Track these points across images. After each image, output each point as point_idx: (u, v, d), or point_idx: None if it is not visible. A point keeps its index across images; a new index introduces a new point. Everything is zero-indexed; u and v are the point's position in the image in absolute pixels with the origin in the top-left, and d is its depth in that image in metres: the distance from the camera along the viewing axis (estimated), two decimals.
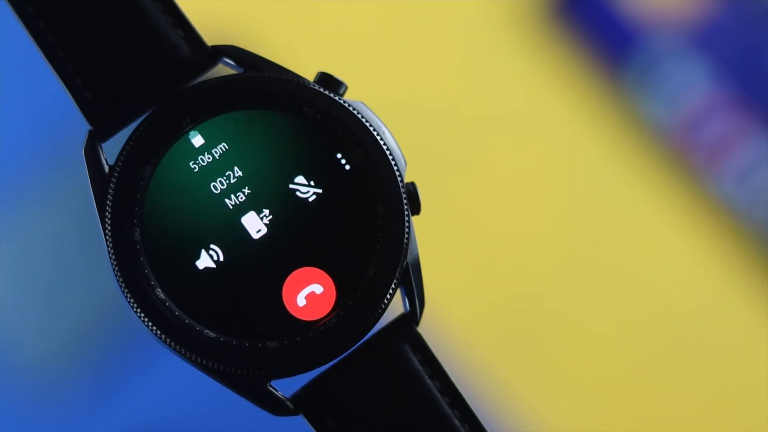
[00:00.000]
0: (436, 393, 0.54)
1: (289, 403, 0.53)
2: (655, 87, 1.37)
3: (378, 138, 0.54)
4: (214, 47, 0.55)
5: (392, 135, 0.54)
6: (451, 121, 1.36)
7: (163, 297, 0.52)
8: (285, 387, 0.54)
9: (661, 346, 1.33)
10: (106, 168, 0.53)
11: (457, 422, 0.54)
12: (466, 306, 1.33)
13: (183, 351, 0.52)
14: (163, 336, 0.52)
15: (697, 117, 1.36)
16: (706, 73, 1.37)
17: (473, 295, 1.33)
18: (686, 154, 1.36)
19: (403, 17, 1.38)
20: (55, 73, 0.53)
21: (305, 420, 0.53)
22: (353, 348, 0.53)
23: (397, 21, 1.38)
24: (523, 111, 1.38)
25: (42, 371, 1.28)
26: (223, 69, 0.56)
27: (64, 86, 0.53)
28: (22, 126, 1.30)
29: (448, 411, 0.54)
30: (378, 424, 0.53)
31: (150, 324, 0.52)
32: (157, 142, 0.53)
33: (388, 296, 0.53)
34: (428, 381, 0.54)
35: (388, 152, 0.54)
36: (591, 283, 1.34)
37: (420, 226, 1.38)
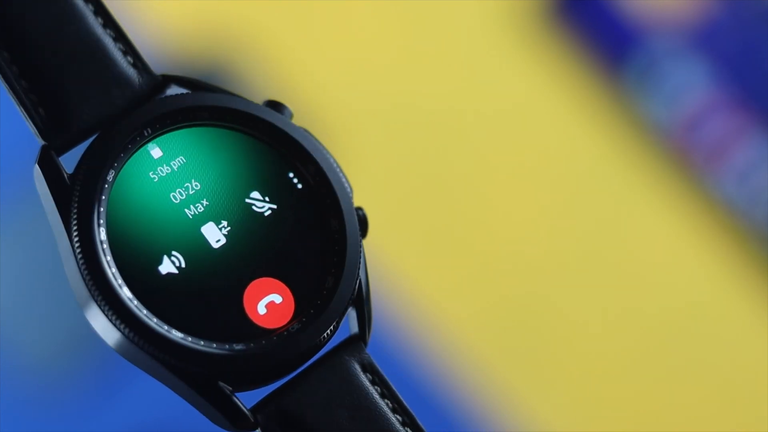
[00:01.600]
0: (388, 411, 0.54)
1: (249, 414, 0.53)
2: (655, 87, 1.37)
3: (329, 157, 0.56)
4: (163, 75, 0.57)
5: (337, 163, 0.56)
6: (451, 121, 1.37)
7: (131, 295, 0.53)
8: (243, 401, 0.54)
9: (661, 345, 1.33)
10: (65, 176, 0.54)
11: None
12: (465, 306, 1.33)
13: (149, 349, 0.52)
14: (131, 334, 0.52)
15: (697, 117, 1.36)
16: (706, 73, 1.37)
17: (473, 294, 1.33)
18: (686, 154, 1.36)
19: (402, 18, 1.39)
20: (9, 90, 0.55)
21: None
22: (307, 364, 0.54)
23: (397, 21, 1.39)
24: (523, 111, 1.38)
25: (42, 371, 1.28)
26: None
27: (17, 102, 0.55)
28: (23, 127, 1.30)
29: (400, 429, 0.54)
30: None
31: (117, 321, 0.52)
32: (119, 149, 0.54)
33: (346, 305, 0.54)
34: (379, 400, 0.54)
35: (339, 170, 0.56)
36: (591, 283, 1.34)
37: (420, 226, 1.38)
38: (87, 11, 0.56)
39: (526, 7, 1.39)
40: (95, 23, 0.56)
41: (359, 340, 0.56)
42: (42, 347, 1.29)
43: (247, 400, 0.53)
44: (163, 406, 1.29)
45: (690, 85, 1.36)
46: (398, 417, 0.54)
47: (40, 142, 0.55)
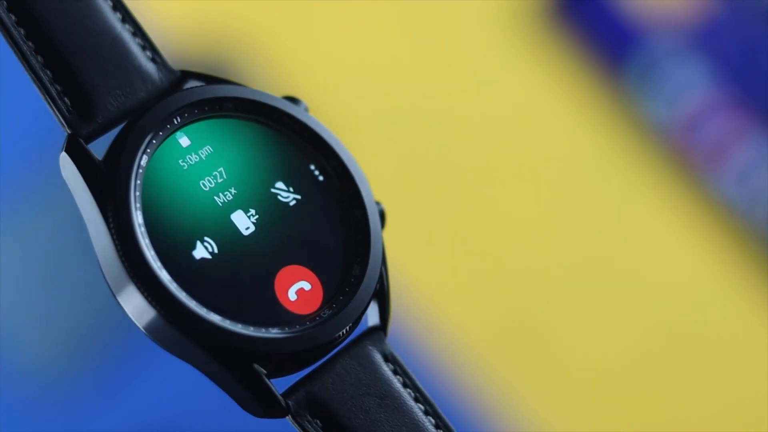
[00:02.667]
0: (411, 401, 0.55)
1: (281, 400, 0.54)
2: (655, 87, 1.37)
3: (348, 152, 0.57)
4: (182, 71, 0.58)
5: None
6: (450, 122, 1.37)
7: (170, 278, 0.53)
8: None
9: (660, 345, 1.33)
10: (97, 162, 0.55)
11: (431, 428, 0.55)
12: (465, 306, 1.33)
13: (191, 331, 0.53)
14: (171, 316, 0.53)
15: (697, 117, 1.36)
16: (706, 73, 1.37)
17: (473, 295, 1.33)
18: (686, 154, 1.36)
19: (403, 18, 1.39)
20: (36, 79, 0.55)
21: (291, 422, 0.54)
22: (333, 352, 0.55)
23: (397, 22, 1.39)
24: (523, 110, 1.38)
25: (42, 371, 1.28)
26: None
27: (44, 93, 0.55)
28: (23, 127, 1.30)
29: (423, 418, 0.55)
30: (358, 428, 0.54)
31: (158, 303, 0.53)
32: (151, 135, 0.55)
33: (374, 291, 0.56)
34: (402, 389, 0.55)
35: (358, 165, 0.57)
36: (591, 283, 1.34)
37: (421, 227, 1.38)
38: (106, 6, 0.56)
39: (526, 7, 1.39)
40: (114, 18, 0.57)
41: (380, 330, 0.57)
42: (42, 347, 1.29)
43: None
44: (163, 406, 1.29)
45: (690, 85, 1.36)
46: (420, 406, 0.55)
47: (66, 131, 0.56)
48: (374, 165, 1.37)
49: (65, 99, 0.55)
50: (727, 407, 1.32)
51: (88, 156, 0.55)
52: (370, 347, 0.56)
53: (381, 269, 0.56)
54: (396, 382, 0.55)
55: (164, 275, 0.53)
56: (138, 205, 0.54)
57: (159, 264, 0.53)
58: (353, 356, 0.55)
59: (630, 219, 1.35)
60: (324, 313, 0.54)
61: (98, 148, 0.56)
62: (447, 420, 0.56)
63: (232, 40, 1.34)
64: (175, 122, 0.56)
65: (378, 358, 0.55)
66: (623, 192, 1.35)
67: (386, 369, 0.55)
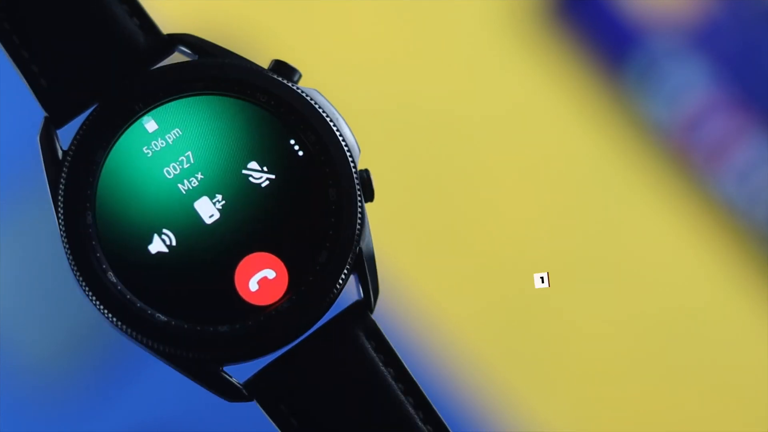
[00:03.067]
0: (390, 380, 0.53)
1: (242, 389, 0.53)
2: (655, 87, 1.37)
3: (331, 124, 0.54)
4: (170, 35, 0.56)
5: (346, 123, 0.55)
6: (450, 122, 1.37)
7: (115, 280, 0.53)
8: (239, 373, 0.54)
9: (660, 345, 1.33)
10: (60, 153, 0.53)
11: (410, 408, 0.53)
12: (465, 306, 1.33)
13: (134, 334, 0.52)
14: (114, 319, 0.52)
15: (697, 117, 1.36)
16: (706, 73, 1.37)
17: (473, 294, 1.33)
18: (686, 154, 1.36)
19: (402, 17, 1.38)
20: (11, 61, 0.54)
21: (258, 406, 0.53)
22: (306, 334, 0.54)
23: (397, 21, 1.39)
24: (522, 110, 1.38)
25: (42, 372, 1.28)
26: (179, 57, 0.56)
27: (20, 73, 0.54)
28: (22, 127, 1.30)
29: (402, 398, 0.53)
30: (331, 410, 0.53)
31: (101, 307, 0.52)
32: (110, 126, 0.54)
33: (340, 281, 0.54)
34: (382, 368, 0.54)
35: (341, 138, 0.54)
36: (590, 283, 1.34)
37: (420, 226, 1.38)
38: None
39: (525, 7, 1.39)
40: None
41: (364, 306, 0.55)
42: (42, 347, 1.29)
43: (245, 369, 0.54)
44: (163, 406, 1.29)
45: (690, 85, 1.36)
46: (401, 386, 0.53)
47: (44, 113, 0.54)
48: (372, 165, 1.37)
49: (41, 80, 0.54)
50: (727, 407, 1.32)
51: (53, 146, 0.54)
52: (351, 325, 0.54)
53: (354, 251, 0.54)
54: (376, 362, 0.53)
55: (109, 278, 0.52)
56: (88, 204, 0.53)
57: (106, 265, 0.53)
58: (329, 335, 0.54)
59: (629, 218, 1.35)
60: (281, 306, 0.53)
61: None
62: (425, 395, 0.54)
63: (232, 40, 1.34)
64: (137, 109, 0.54)
65: (357, 336, 0.54)
66: (623, 191, 1.35)
67: (366, 347, 0.54)
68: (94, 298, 0.52)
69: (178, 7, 1.37)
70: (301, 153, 0.55)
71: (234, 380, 0.53)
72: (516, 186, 1.36)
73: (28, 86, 0.54)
